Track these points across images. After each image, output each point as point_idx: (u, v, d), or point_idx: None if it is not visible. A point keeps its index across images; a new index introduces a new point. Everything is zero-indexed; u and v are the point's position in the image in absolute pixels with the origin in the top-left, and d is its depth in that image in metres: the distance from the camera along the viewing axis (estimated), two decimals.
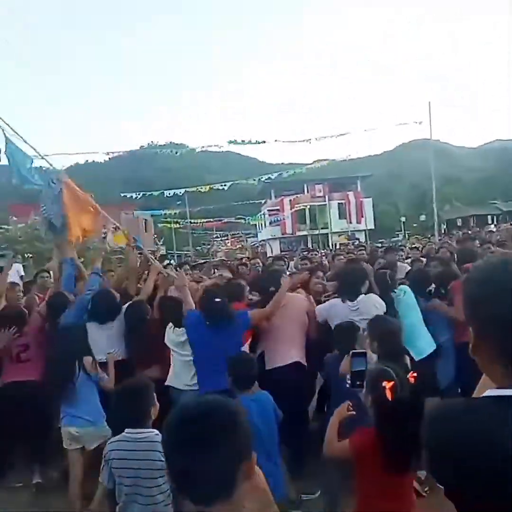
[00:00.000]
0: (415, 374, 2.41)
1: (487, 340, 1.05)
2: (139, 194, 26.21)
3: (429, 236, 20.07)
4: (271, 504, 1.54)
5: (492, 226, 19.75)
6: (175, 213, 36.11)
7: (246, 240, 54.50)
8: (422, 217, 43.33)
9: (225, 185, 24.89)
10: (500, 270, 1.08)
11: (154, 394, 2.82)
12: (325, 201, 45.32)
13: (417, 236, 25.08)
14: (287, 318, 4.50)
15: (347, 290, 4.52)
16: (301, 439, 4.22)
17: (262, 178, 25.37)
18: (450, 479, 1.03)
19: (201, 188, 24.40)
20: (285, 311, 4.50)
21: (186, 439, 1.18)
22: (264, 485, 1.52)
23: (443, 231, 36.00)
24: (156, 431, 2.61)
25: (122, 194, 26.85)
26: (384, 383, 2.21)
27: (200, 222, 39.31)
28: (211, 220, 39.81)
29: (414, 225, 50.96)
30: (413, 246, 12.23)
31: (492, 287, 1.05)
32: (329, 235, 43.97)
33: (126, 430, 2.70)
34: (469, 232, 17.61)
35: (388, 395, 2.15)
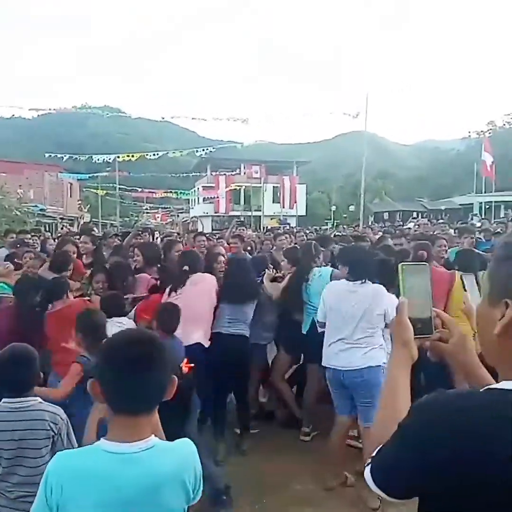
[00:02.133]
0: (191, 365, 2.35)
1: None
2: (65, 156, 24.63)
3: (354, 226, 20.39)
4: (161, 435, 1.62)
5: (411, 224, 20.35)
6: (101, 177, 34.39)
7: (178, 215, 53.55)
8: (352, 208, 44.34)
9: (157, 154, 23.87)
10: None
11: (37, 362, 2.62)
12: (260, 182, 45.32)
13: (344, 226, 25.50)
14: (195, 298, 4.42)
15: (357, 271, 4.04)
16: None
17: (197, 151, 24.56)
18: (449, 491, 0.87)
19: (132, 155, 23.24)
20: (195, 290, 4.47)
21: (132, 358, 1.42)
22: (157, 418, 1.63)
23: (369, 223, 36.93)
24: (40, 399, 2.52)
25: (47, 154, 25.11)
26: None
27: (129, 190, 37.84)
28: (142, 190, 38.38)
29: (344, 215, 52.08)
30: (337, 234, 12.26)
31: None
32: (262, 218, 44.10)
33: (3, 400, 2.49)
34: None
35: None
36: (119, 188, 35.67)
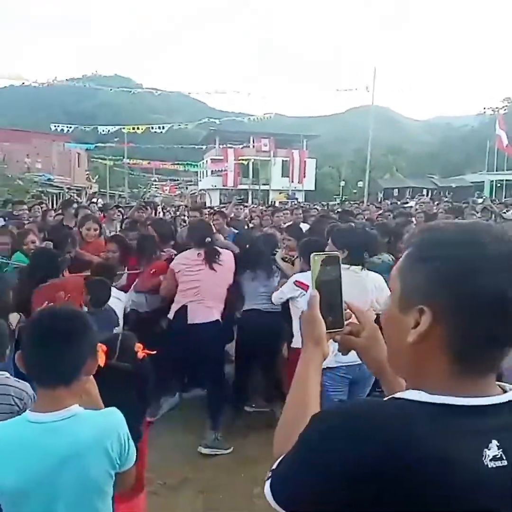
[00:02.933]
0: (148, 351, 2.27)
1: (448, 325, 0.81)
2: (70, 127, 24.47)
3: (359, 202, 20.24)
4: (99, 407, 1.69)
5: (413, 202, 19.86)
6: (111, 148, 34.26)
7: (186, 188, 53.34)
8: (360, 184, 43.97)
9: (163, 127, 23.67)
10: (490, 233, 0.82)
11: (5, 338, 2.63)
12: (269, 156, 44.90)
13: (350, 202, 25.35)
14: (219, 275, 4.33)
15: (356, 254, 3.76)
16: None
17: (203, 123, 24.33)
18: (367, 497, 0.77)
19: (138, 128, 23.06)
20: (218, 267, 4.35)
21: (47, 332, 1.52)
22: (96, 392, 1.73)
23: (379, 200, 36.64)
24: (7, 373, 2.47)
25: (53, 125, 24.93)
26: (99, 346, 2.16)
27: (138, 162, 37.70)
28: (149, 162, 38.20)
29: (354, 191, 51.66)
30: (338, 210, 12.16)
31: (483, 254, 0.79)
32: (269, 192, 43.84)
33: None
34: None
35: (100, 359, 2.05)
36: (127, 159, 35.62)
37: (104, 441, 1.56)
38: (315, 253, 1.13)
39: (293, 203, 28.70)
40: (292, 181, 44.95)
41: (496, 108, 67.59)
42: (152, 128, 23.70)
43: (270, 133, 46.57)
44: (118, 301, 4.05)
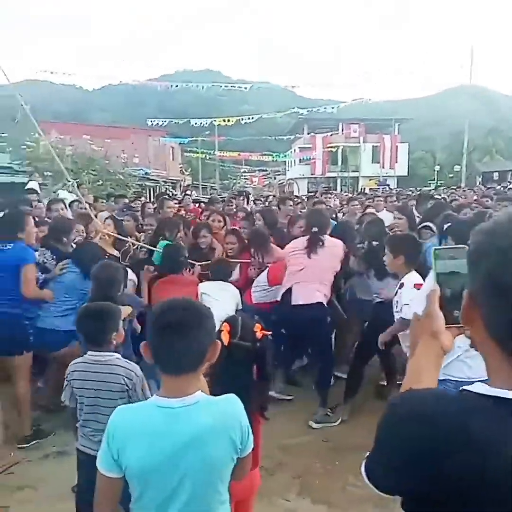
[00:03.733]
0: (266, 331, 2.38)
1: (481, 309, 0.85)
2: (164, 121, 25.62)
3: (456, 187, 19.23)
4: (207, 392, 1.76)
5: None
6: (201, 141, 35.42)
7: (274, 178, 53.65)
8: (456, 168, 41.72)
9: (252, 118, 24.04)
10: None
11: (121, 320, 2.87)
12: (359, 142, 43.97)
13: (444, 187, 24.14)
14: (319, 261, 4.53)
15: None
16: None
17: (291, 112, 24.34)
18: (427, 492, 0.84)
19: (228, 120, 23.62)
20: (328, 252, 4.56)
21: (177, 322, 1.58)
22: (203, 378, 1.80)
23: (479, 184, 34.64)
24: (118, 355, 2.74)
25: (148, 120, 26.27)
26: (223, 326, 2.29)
27: (228, 155, 38.55)
28: (239, 153, 38.89)
29: (450, 175, 49.20)
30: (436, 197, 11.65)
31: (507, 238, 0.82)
32: (359, 178, 42.97)
33: (89, 352, 2.75)
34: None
35: (224, 338, 2.20)
36: (218, 151, 36.49)
37: (227, 428, 1.64)
38: (436, 248, 1.15)
39: (384, 189, 27.96)
40: (383, 167, 43.73)
41: None
42: (242, 119, 24.18)
43: (359, 118, 45.48)
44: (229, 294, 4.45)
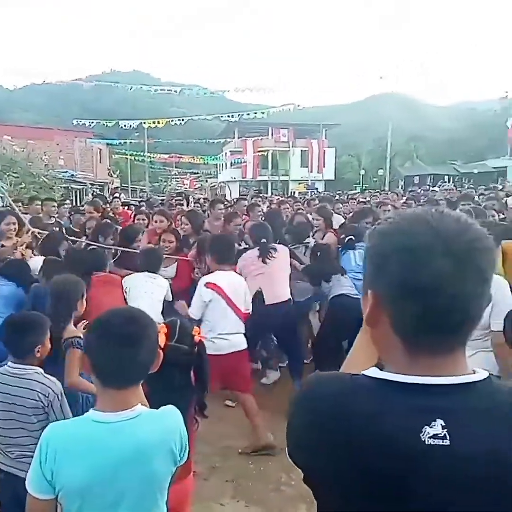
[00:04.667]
0: (202, 336, 2.42)
1: (387, 309, 0.86)
2: (92, 122, 24.90)
3: (379, 191, 20.10)
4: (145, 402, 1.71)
5: (436, 188, 19.60)
6: (130, 143, 34.75)
7: (206, 181, 53.52)
8: (380, 172, 43.51)
9: (182, 120, 23.89)
10: (423, 220, 0.84)
11: (47, 332, 2.70)
12: (288, 147, 44.75)
13: (370, 190, 25.13)
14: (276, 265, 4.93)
15: None
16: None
17: (222, 116, 24.42)
18: (320, 466, 0.88)
19: (158, 122, 23.33)
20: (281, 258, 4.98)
21: (119, 336, 1.53)
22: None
23: (401, 188, 36.28)
24: (39, 369, 2.58)
25: (75, 121, 25.44)
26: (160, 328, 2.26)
27: (158, 157, 38.03)
28: (169, 155, 38.47)
29: (374, 179, 51.19)
30: (360, 200, 12.16)
31: (413, 239, 0.82)
32: (289, 182, 43.73)
33: (8, 363, 2.61)
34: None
35: (160, 340, 2.16)
36: (148, 153, 35.90)
37: (169, 441, 1.60)
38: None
39: (313, 192, 28.66)
40: (311, 171, 44.74)
41: None
42: (172, 121, 23.95)
43: (289, 123, 46.32)
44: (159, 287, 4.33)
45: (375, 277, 0.87)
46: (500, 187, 15.52)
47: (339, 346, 4.89)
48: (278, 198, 15.71)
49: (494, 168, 38.86)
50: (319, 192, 27.61)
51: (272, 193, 37.21)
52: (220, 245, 4.32)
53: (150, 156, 36.57)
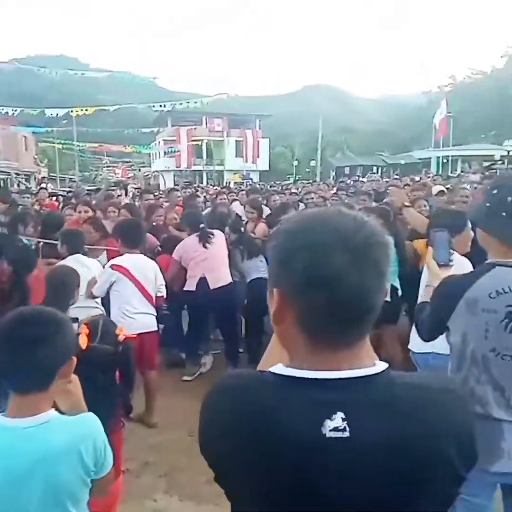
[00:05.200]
0: (130, 334, 2.42)
1: (292, 305, 0.88)
2: (15, 110, 23.53)
3: (312, 181, 20.48)
4: (81, 409, 1.69)
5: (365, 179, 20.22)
6: (57, 131, 33.25)
7: (139, 170, 52.36)
8: (312, 163, 44.36)
9: (111, 108, 23.11)
10: (325, 219, 0.89)
11: None
12: (223, 136, 44.56)
13: (303, 181, 25.57)
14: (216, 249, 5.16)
15: None
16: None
17: (153, 106, 23.87)
18: (226, 462, 0.91)
19: (86, 109, 22.44)
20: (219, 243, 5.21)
21: (22, 336, 1.49)
22: (79, 393, 1.72)
23: (332, 178, 37.14)
24: None
25: None
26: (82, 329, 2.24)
27: (88, 146, 36.69)
28: (100, 145, 37.15)
29: (307, 170, 52.04)
30: (292, 191, 12.31)
31: (312, 237, 0.86)
32: (224, 172, 43.63)
33: None
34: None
35: (82, 342, 2.14)
36: (77, 142, 34.55)
37: (77, 447, 1.54)
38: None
39: (248, 182, 28.72)
40: (246, 161, 44.85)
41: (443, 85, 69.23)
42: (104, 108, 23.08)
43: (223, 113, 46.10)
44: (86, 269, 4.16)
45: (280, 274, 0.89)
46: (418, 178, 16.17)
47: (260, 324, 5.30)
48: (215, 189, 15.67)
49: (420, 159, 40.49)
50: (253, 183, 27.74)
51: (207, 183, 37.04)
52: (128, 229, 4.44)
53: (79, 145, 35.23)
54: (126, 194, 10.23)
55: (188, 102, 24.42)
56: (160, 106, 23.89)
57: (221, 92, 27.81)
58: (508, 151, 23.63)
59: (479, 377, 1.83)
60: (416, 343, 3.09)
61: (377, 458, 0.82)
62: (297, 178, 40.38)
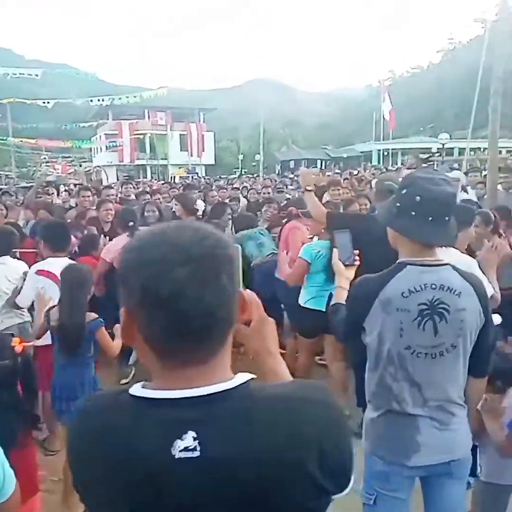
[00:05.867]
0: (25, 343, 2.33)
1: (139, 323, 0.85)
2: None
3: (255, 176, 20.56)
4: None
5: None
6: None
7: (80, 165, 50.89)
8: (258, 157, 44.56)
9: (48, 102, 22.24)
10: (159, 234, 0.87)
11: None
12: (166, 130, 43.96)
13: (249, 175, 25.63)
14: None
15: None
16: None
17: (91, 100, 23.17)
18: (84, 484, 0.90)
19: (24, 102, 21.47)
20: None
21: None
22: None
23: (277, 172, 37.42)
24: None
25: None
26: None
27: (24, 141, 35.25)
28: (33, 140, 35.74)
29: (253, 164, 52.20)
30: (235, 186, 12.30)
31: (137, 258, 0.84)
32: (168, 167, 43.12)
33: None
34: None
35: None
36: (12, 137, 33.21)
37: None
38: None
39: (193, 177, 28.45)
40: (191, 156, 44.47)
41: (383, 80, 71.01)
42: (43, 102, 22.13)
43: (165, 106, 45.46)
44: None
45: (124, 293, 0.87)
46: (357, 171, 16.52)
47: None
48: (160, 183, 15.43)
49: (361, 152, 41.53)
50: (199, 177, 27.52)
51: (152, 178, 36.48)
52: (53, 232, 4.14)
53: (13, 141, 33.79)
54: (58, 194, 9.82)
55: (128, 97, 23.88)
56: (98, 100, 23.20)
57: (163, 86, 27.31)
58: (443, 144, 24.50)
59: (395, 374, 1.87)
60: None
61: (229, 476, 0.80)
62: (242, 172, 40.43)
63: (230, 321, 0.87)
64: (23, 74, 22.46)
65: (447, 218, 1.85)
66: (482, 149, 21.04)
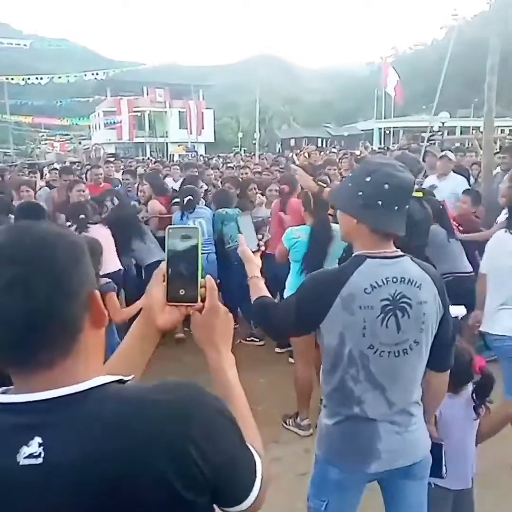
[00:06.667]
0: None
1: None
2: None
3: (251, 154, 20.33)
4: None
5: None
6: None
7: (80, 143, 50.50)
8: (256, 135, 44.17)
9: (41, 77, 21.90)
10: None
11: None
12: (165, 107, 43.51)
13: (247, 154, 25.37)
14: None
15: None
16: None
17: (86, 74, 22.83)
18: None
19: (22, 79, 21.16)
20: None
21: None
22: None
23: (278, 150, 37.11)
24: None
25: None
26: None
27: (22, 119, 34.88)
28: (32, 118, 35.34)
29: (253, 141, 51.71)
30: (229, 165, 12.14)
31: None
32: (167, 144, 42.79)
33: None
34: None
35: None
36: (11, 113, 32.91)
37: None
38: (170, 226, 1.11)
39: (192, 155, 28.18)
40: (191, 133, 44.10)
41: (386, 56, 69.98)
42: (39, 78, 21.75)
43: (164, 83, 44.93)
44: None
45: None
46: (359, 152, 16.36)
47: None
48: (156, 162, 15.29)
49: (363, 130, 41.13)
50: (199, 155, 27.26)
51: (151, 155, 36.26)
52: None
53: (10, 119, 33.47)
54: (41, 176, 9.57)
55: (123, 70, 23.55)
56: (92, 74, 22.87)
57: (163, 62, 26.90)
58: (443, 123, 24.20)
59: (357, 376, 1.73)
60: (493, 325, 3.21)
61: (73, 481, 0.77)
62: (242, 151, 40.08)
63: (67, 326, 0.82)
64: (11, 44, 21.98)
65: (407, 206, 1.73)
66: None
